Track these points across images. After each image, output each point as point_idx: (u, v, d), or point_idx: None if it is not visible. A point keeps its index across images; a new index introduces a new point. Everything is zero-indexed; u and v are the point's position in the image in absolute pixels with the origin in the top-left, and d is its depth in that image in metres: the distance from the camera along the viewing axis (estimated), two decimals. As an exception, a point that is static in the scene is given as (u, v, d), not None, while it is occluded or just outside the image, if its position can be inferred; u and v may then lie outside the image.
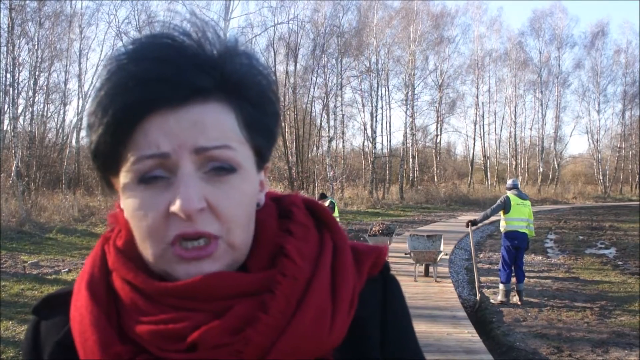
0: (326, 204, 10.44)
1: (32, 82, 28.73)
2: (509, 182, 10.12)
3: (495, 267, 12.19)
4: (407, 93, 39.39)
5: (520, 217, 9.55)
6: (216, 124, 0.70)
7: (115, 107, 0.68)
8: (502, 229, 9.85)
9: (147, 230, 0.70)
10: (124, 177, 0.71)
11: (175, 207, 0.67)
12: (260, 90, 0.75)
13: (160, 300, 0.71)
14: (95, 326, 0.71)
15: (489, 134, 51.20)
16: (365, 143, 40.66)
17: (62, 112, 33.72)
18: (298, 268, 0.73)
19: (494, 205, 9.82)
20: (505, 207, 9.57)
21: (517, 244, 9.56)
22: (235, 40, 0.76)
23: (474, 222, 10.14)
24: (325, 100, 34.78)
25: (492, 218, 10.67)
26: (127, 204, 0.71)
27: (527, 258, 11.13)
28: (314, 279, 0.73)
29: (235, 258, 0.73)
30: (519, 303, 9.58)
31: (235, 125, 0.72)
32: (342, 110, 37.07)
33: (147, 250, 0.71)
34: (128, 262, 0.74)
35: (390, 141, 43.54)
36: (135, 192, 0.70)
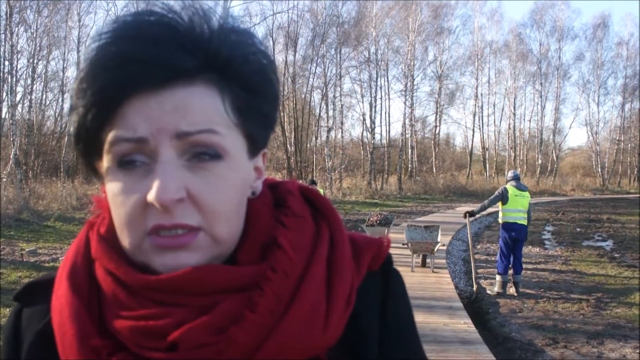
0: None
1: (30, 70, 28.70)
2: (510, 173, 10.10)
3: (493, 259, 12.22)
4: (407, 84, 39.28)
5: (518, 208, 9.55)
6: (201, 107, 0.65)
7: (94, 89, 0.64)
8: (500, 220, 9.86)
9: (124, 219, 0.66)
10: (105, 160, 0.67)
11: (150, 196, 0.63)
12: (254, 70, 0.69)
13: (142, 294, 0.66)
14: (74, 319, 0.68)
15: (488, 126, 51.28)
16: (364, 133, 40.66)
17: (60, 100, 33.65)
18: (290, 262, 0.68)
19: (492, 197, 9.83)
20: (503, 198, 9.57)
21: (514, 235, 9.56)
22: (229, 17, 0.71)
23: (471, 213, 10.13)
24: (324, 90, 34.74)
25: (491, 209, 10.68)
26: (109, 189, 0.68)
27: (524, 250, 11.14)
28: (307, 274, 0.68)
29: (219, 252, 0.68)
30: (516, 294, 9.60)
31: (222, 109, 0.67)
32: (341, 101, 37.05)
33: (125, 240, 0.67)
34: (110, 251, 0.70)
35: (389, 132, 43.57)
36: (115, 177, 0.66)
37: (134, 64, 0.63)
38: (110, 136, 0.65)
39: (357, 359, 0.75)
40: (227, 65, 0.67)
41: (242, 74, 0.68)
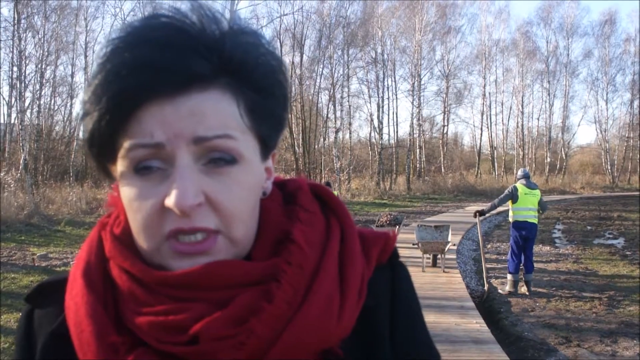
0: None
1: (38, 75, 28.80)
2: (519, 172, 10.08)
3: (503, 258, 12.17)
4: (414, 83, 39.25)
5: (528, 206, 9.52)
6: (216, 112, 0.65)
7: (109, 96, 0.64)
8: (510, 219, 9.82)
9: (141, 224, 0.67)
10: (120, 165, 0.67)
11: (169, 202, 0.64)
12: (265, 73, 0.70)
13: (159, 291, 0.67)
14: (91, 316, 0.69)
15: (496, 125, 51.12)
16: (372, 134, 40.57)
17: (69, 105, 33.83)
18: (304, 255, 0.69)
19: (502, 195, 9.79)
20: (513, 197, 9.53)
21: (525, 234, 9.53)
22: (239, 19, 0.71)
23: (481, 212, 10.12)
24: (332, 91, 34.71)
25: (500, 208, 10.64)
26: (124, 193, 0.68)
27: (535, 248, 11.09)
28: (321, 267, 0.70)
29: (236, 253, 0.69)
30: (527, 293, 9.56)
31: (237, 113, 0.67)
32: (348, 101, 37.07)
33: (142, 243, 0.68)
34: (125, 250, 0.71)
35: (397, 132, 43.52)
36: (131, 182, 0.67)
37: (148, 70, 0.63)
38: (126, 142, 0.65)
39: (369, 350, 0.77)
40: (240, 68, 0.68)
41: (254, 76, 0.69)
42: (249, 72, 0.68)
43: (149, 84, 0.63)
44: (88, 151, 0.70)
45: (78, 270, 0.74)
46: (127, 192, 0.68)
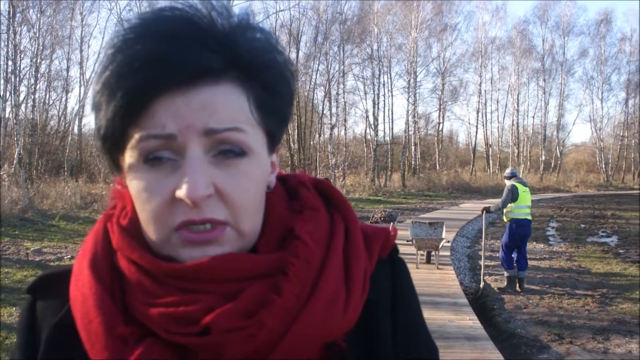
0: None
1: (33, 69, 28.59)
2: (508, 171, 10.14)
3: (496, 255, 12.20)
4: (409, 80, 39.21)
5: (527, 204, 9.59)
6: (227, 105, 0.66)
7: (122, 90, 0.64)
8: (507, 217, 9.78)
9: (151, 214, 0.67)
10: (129, 156, 0.68)
11: (181, 193, 0.64)
12: (274, 69, 0.71)
13: (168, 282, 0.68)
14: (100, 307, 0.69)
15: (491, 122, 51.09)
16: (367, 130, 40.56)
17: (64, 99, 33.60)
18: (310, 251, 0.71)
19: (504, 197, 9.64)
20: (514, 195, 9.55)
21: (524, 231, 9.61)
22: (247, 14, 0.72)
23: (488, 210, 10.14)
24: (327, 87, 34.64)
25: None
26: (133, 184, 0.68)
27: (529, 246, 11.12)
28: (327, 262, 0.71)
29: (243, 245, 0.70)
30: (520, 290, 9.60)
31: (247, 107, 0.68)
32: (344, 98, 36.94)
33: (152, 234, 0.69)
34: (133, 242, 0.71)
35: (392, 129, 43.58)
36: (140, 173, 0.67)
37: (161, 64, 0.64)
38: (137, 133, 0.66)
39: (370, 343, 0.78)
40: (251, 64, 0.68)
41: (263, 73, 0.70)
42: (258, 69, 0.69)
43: (162, 78, 0.64)
44: (100, 144, 0.71)
45: (84, 262, 0.74)
46: (136, 183, 0.68)
